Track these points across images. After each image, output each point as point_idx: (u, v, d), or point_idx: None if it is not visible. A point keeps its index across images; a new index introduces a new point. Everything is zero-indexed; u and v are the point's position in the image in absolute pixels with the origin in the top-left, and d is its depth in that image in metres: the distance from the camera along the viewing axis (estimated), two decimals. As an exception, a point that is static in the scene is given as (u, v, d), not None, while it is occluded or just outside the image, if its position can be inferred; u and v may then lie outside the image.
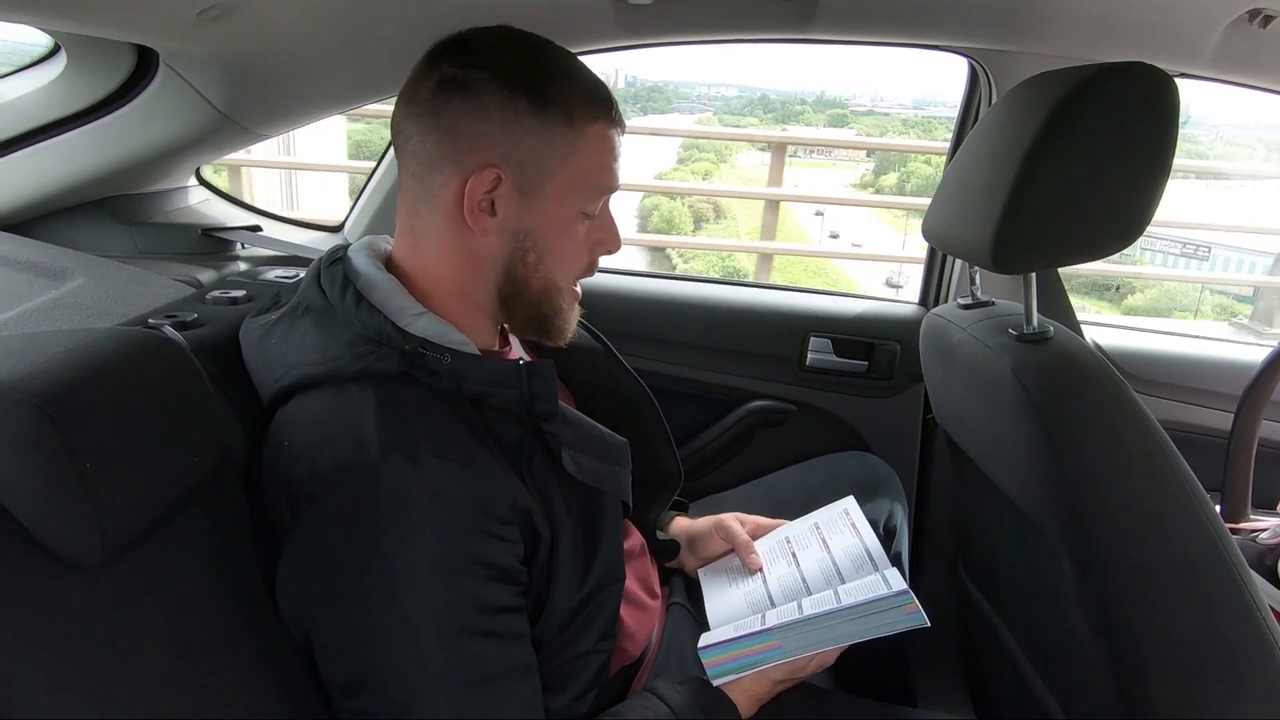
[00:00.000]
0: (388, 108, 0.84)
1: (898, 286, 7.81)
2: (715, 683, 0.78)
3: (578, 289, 0.79)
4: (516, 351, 0.86)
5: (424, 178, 0.71)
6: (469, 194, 0.69)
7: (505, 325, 0.79)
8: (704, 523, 1.00)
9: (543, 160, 0.70)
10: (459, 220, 0.71)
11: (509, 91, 0.68)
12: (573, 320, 0.79)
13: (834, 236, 13.09)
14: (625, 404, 0.95)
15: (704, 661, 0.78)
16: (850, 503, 0.97)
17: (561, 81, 0.70)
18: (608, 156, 0.73)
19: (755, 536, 0.97)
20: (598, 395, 0.94)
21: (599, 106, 0.71)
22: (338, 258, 0.75)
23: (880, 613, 0.75)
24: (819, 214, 13.23)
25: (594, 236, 0.76)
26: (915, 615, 0.74)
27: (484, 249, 0.72)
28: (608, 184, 0.74)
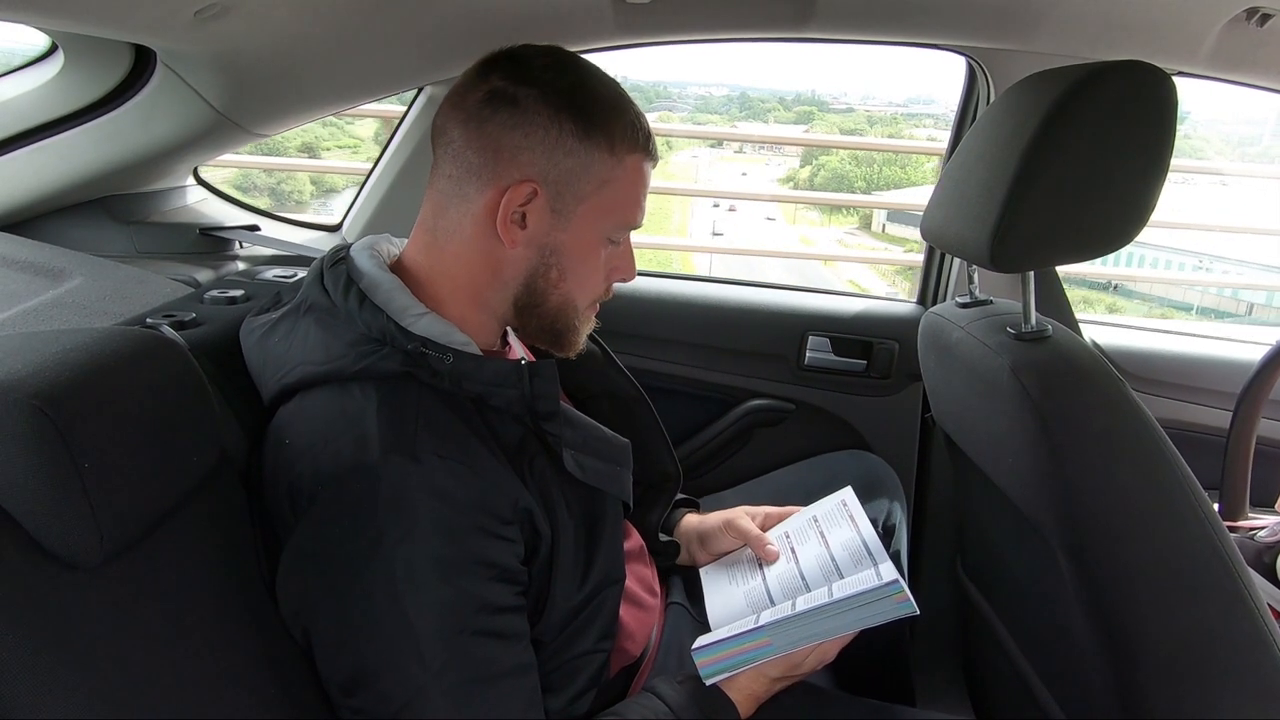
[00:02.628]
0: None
1: (719, 235, 10.67)
2: (708, 682, 0.78)
3: (595, 307, 0.80)
4: (517, 351, 0.86)
5: (460, 181, 0.72)
6: (504, 205, 0.70)
7: (514, 330, 0.79)
8: (714, 519, 0.99)
9: (579, 182, 0.71)
10: (488, 227, 0.72)
11: (555, 112, 0.69)
12: (584, 335, 0.80)
13: (716, 205, 13.68)
14: (621, 407, 0.95)
15: (696, 662, 0.78)
16: (848, 493, 0.97)
17: (608, 109, 0.71)
18: (640, 189, 0.75)
19: (766, 528, 0.97)
20: (594, 397, 0.95)
21: (639, 138, 0.73)
22: (340, 258, 0.76)
23: (869, 604, 0.75)
24: (715, 206, 13.43)
25: (611, 264, 0.78)
26: (905, 604, 0.74)
27: (509, 259, 0.73)
28: (635, 216, 0.76)
